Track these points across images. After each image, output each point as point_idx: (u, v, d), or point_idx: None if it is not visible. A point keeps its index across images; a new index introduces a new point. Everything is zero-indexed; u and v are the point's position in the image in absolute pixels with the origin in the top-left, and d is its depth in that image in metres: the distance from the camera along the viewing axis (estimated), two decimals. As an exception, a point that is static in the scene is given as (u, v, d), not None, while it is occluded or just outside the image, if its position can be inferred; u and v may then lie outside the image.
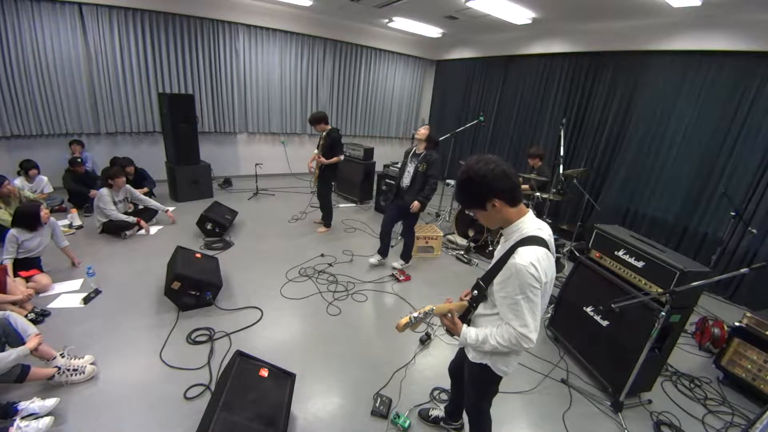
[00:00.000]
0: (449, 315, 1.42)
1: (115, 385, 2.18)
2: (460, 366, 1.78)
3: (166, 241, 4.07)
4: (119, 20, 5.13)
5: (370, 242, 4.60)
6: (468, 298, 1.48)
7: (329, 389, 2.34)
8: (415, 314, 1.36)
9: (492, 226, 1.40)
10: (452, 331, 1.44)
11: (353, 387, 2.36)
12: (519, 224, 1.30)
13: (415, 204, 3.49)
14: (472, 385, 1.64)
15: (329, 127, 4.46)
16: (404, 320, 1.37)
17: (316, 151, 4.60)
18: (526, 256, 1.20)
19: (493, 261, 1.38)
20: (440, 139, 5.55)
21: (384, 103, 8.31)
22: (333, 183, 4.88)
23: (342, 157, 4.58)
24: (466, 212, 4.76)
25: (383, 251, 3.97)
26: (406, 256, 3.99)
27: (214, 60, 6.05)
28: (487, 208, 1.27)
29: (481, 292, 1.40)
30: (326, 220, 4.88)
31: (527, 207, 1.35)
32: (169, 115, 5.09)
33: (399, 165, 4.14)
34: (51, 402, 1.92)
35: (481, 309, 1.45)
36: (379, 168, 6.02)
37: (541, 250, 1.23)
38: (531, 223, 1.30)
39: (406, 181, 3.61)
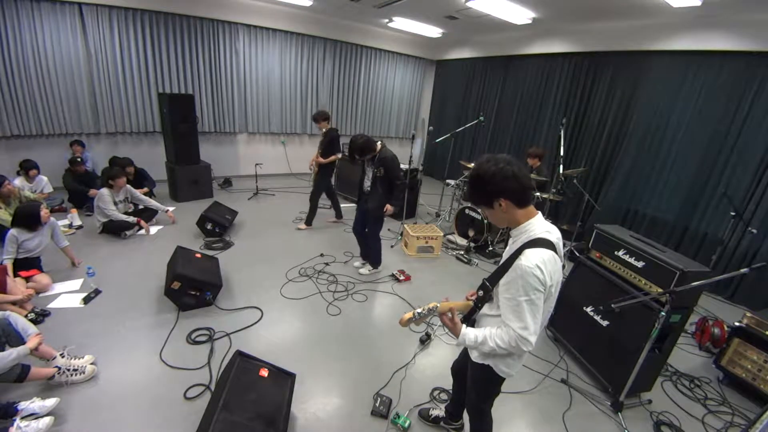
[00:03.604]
0: (449, 314, 1.40)
1: (115, 385, 2.18)
2: (463, 365, 1.77)
3: (166, 241, 4.07)
4: (119, 20, 5.13)
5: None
6: (474, 298, 1.48)
7: (329, 389, 2.34)
8: (419, 310, 1.37)
9: (499, 224, 1.41)
10: (452, 332, 1.43)
11: (353, 387, 2.36)
12: (527, 226, 1.30)
13: (389, 208, 3.50)
14: (475, 385, 1.64)
15: (329, 126, 4.54)
16: (408, 315, 1.37)
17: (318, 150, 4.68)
18: (532, 258, 1.20)
19: (501, 262, 1.38)
20: (439, 139, 5.65)
21: (384, 103, 8.30)
22: (331, 182, 4.90)
23: (339, 156, 4.66)
24: (467, 212, 4.77)
25: (362, 253, 3.97)
26: (374, 261, 3.88)
27: (214, 60, 6.05)
28: (494, 206, 1.28)
29: (486, 292, 1.40)
30: (309, 219, 4.86)
31: None
32: (169, 115, 5.10)
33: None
34: (51, 402, 1.92)
35: (486, 309, 1.45)
36: (379, 168, 6.01)
37: (548, 252, 1.23)
38: (539, 226, 1.30)
39: (366, 185, 3.62)
